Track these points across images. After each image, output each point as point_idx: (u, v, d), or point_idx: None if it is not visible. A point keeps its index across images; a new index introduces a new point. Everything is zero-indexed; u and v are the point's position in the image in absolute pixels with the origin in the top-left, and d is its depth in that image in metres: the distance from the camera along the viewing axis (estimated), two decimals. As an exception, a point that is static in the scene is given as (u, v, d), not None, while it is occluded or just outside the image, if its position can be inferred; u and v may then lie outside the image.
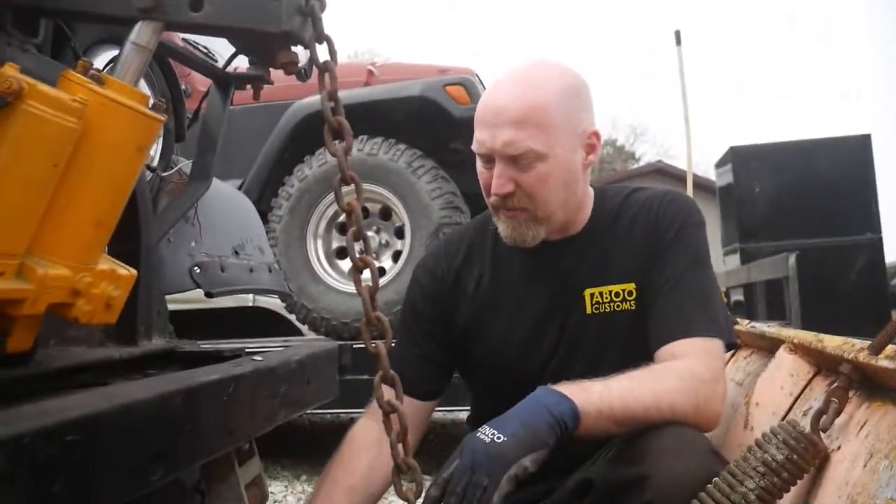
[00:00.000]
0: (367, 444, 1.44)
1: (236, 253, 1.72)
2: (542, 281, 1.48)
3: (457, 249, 1.59)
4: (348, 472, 1.41)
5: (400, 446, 0.84)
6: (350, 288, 3.83)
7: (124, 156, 0.97)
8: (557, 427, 1.17)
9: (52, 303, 0.93)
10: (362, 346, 3.03)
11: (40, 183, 0.87)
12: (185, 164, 1.68)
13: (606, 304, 1.45)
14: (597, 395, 1.24)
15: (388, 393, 0.93)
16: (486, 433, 1.16)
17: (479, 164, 1.42)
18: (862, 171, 6.58)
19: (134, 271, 1.06)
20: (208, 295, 1.56)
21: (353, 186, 1.05)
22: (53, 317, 1.04)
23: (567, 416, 1.19)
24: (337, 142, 0.93)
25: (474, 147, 1.40)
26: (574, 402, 1.21)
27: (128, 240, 1.28)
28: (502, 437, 1.15)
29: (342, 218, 3.95)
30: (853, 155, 6.65)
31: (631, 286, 1.44)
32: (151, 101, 1.01)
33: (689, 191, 4.59)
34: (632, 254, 1.45)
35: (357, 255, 0.87)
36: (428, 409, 1.55)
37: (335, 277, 3.87)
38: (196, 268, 1.54)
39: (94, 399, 0.89)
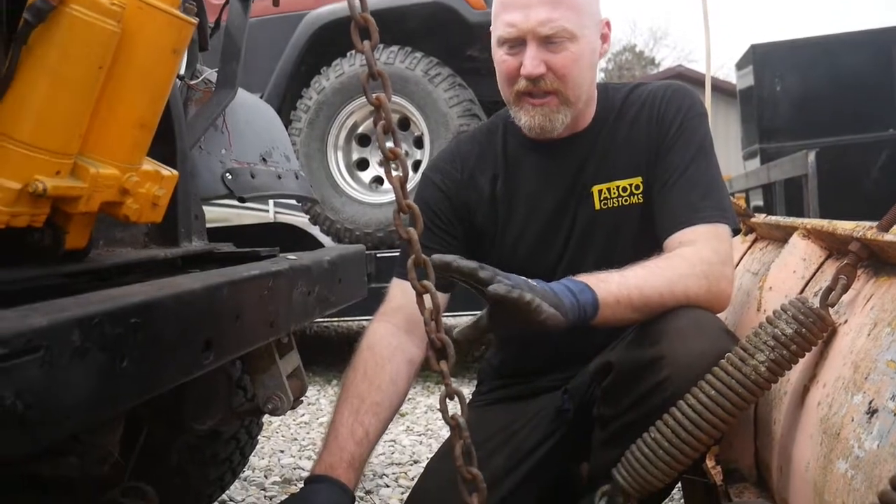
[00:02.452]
0: (388, 353, 1.46)
1: (264, 160, 1.77)
2: (552, 179, 1.52)
3: (469, 151, 1.61)
4: (373, 387, 1.42)
5: (433, 323, 0.90)
6: (372, 198, 3.90)
7: (161, 58, 1.01)
8: (578, 310, 1.24)
9: (104, 201, 0.99)
10: (386, 254, 3.10)
11: (87, 85, 0.92)
12: (211, 74, 1.72)
13: (615, 200, 1.49)
14: (615, 285, 1.30)
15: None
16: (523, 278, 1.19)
17: (501, 53, 1.42)
18: (885, 66, 6.43)
19: (175, 172, 1.11)
20: (241, 199, 1.62)
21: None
22: (103, 218, 1.11)
23: (588, 305, 1.25)
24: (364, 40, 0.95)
25: (501, 32, 1.41)
26: (595, 291, 1.27)
27: (163, 145, 1.33)
28: (541, 284, 1.19)
29: (361, 129, 3.98)
30: (876, 49, 6.48)
31: (637, 180, 1.48)
32: (182, 5, 1.04)
33: (708, 96, 4.51)
34: (637, 148, 1.49)
35: (387, 147, 0.91)
36: (444, 300, 1.55)
37: (356, 188, 3.92)
38: (227, 174, 1.59)
39: (150, 288, 0.97)
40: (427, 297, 0.92)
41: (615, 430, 1.36)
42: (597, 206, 1.50)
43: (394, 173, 0.93)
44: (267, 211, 7.88)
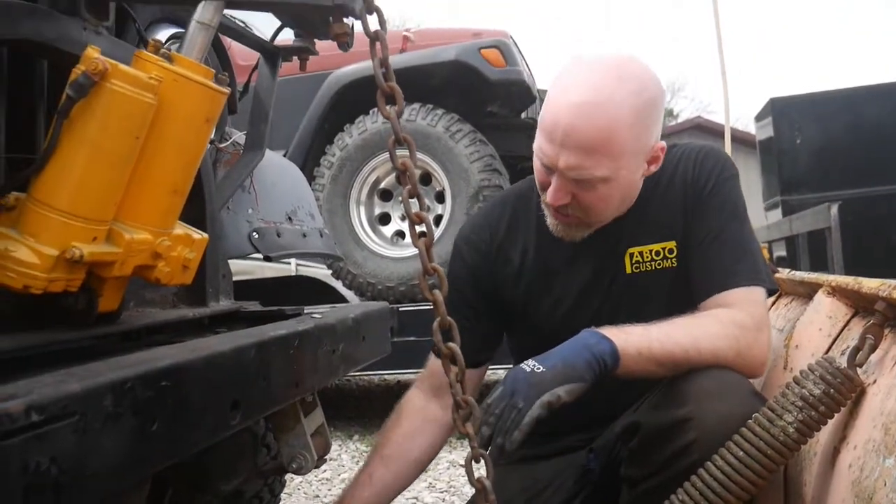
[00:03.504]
0: (408, 412, 1.55)
1: (290, 219, 1.81)
2: (586, 248, 1.52)
3: (498, 220, 1.61)
4: (383, 441, 1.54)
5: (458, 385, 0.91)
6: (394, 252, 3.93)
7: (194, 127, 1.04)
8: (596, 364, 1.24)
9: (137, 265, 1.01)
10: (408, 308, 3.11)
11: (124, 155, 0.95)
12: (239, 136, 1.77)
13: (647, 263, 1.49)
14: (636, 337, 1.30)
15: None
16: (529, 364, 1.25)
17: (536, 161, 1.41)
18: (906, 118, 6.43)
19: (206, 235, 1.14)
20: (267, 259, 1.65)
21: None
22: (134, 280, 1.14)
23: (606, 355, 1.26)
24: (389, 106, 0.99)
25: (535, 149, 1.39)
26: (613, 342, 1.27)
27: (193, 207, 1.37)
28: (542, 368, 1.23)
29: (383, 185, 4.03)
30: (896, 101, 6.49)
31: (671, 244, 1.47)
32: (215, 76, 1.08)
33: (728, 146, 4.54)
34: (671, 212, 1.48)
35: (413, 211, 0.93)
36: (478, 375, 1.61)
37: (378, 243, 3.96)
38: (254, 233, 1.62)
39: (180, 351, 0.98)
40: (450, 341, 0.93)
41: (642, 491, 1.34)
42: (628, 270, 1.49)
43: (417, 229, 0.95)
44: (289, 264, 7.94)
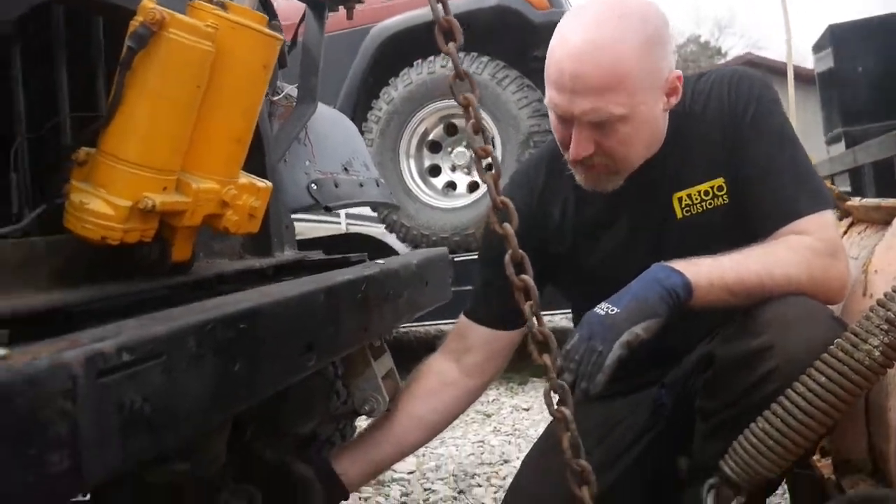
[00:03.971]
0: (426, 373, 1.57)
1: (345, 170, 1.81)
2: (627, 197, 1.48)
3: (535, 178, 1.58)
4: (395, 399, 1.53)
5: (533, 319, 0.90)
6: (446, 203, 3.92)
7: (252, 74, 1.04)
8: (669, 298, 1.23)
9: (206, 214, 1.03)
10: (463, 258, 3.09)
11: (187, 104, 0.96)
12: (291, 89, 1.76)
13: (698, 205, 1.44)
14: (706, 267, 1.28)
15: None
16: (603, 307, 1.24)
17: (552, 117, 1.37)
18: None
19: (269, 183, 1.15)
20: (326, 209, 1.66)
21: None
22: (202, 232, 1.15)
23: (678, 287, 1.24)
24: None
25: (547, 104, 1.35)
26: (684, 274, 1.25)
27: (254, 160, 1.38)
28: (616, 309, 1.22)
29: (432, 136, 4.01)
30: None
31: (719, 181, 1.42)
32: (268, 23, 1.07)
33: (790, 83, 4.35)
34: (711, 147, 1.42)
35: (478, 145, 0.91)
36: (517, 336, 1.60)
37: (430, 195, 3.96)
38: (313, 185, 1.63)
39: (254, 296, 1.00)
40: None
41: (719, 423, 1.33)
42: (679, 215, 1.45)
43: (484, 163, 0.93)
44: (339, 223, 8.02)
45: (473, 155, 0.91)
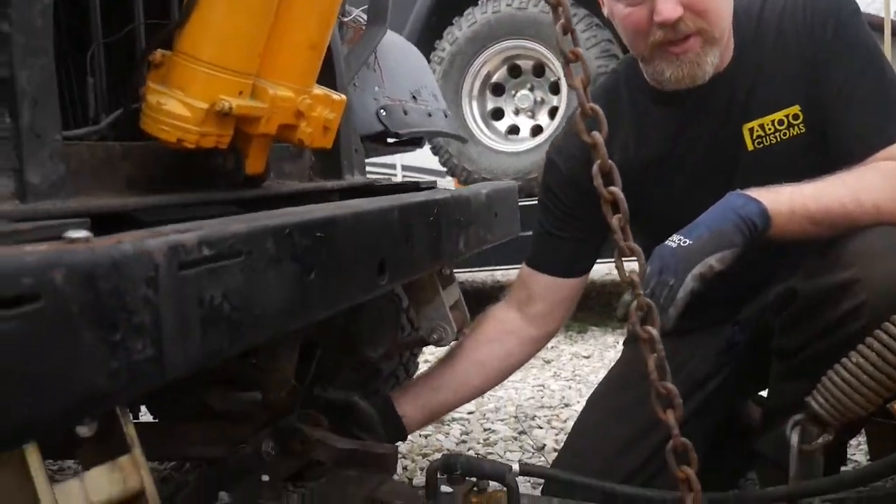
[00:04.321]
0: (487, 320, 1.55)
1: (414, 98, 1.77)
2: (692, 131, 1.40)
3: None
4: (455, 345, 1.53)
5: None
6: (509, 147, 3.85)
7: (328, -20, 1.00)
8: (745, 226, 1.16)
9: (280, 123, 1.00)
10: (527, 203, 2.99)
11: (264, 4, 0.93)
12: (360, 13, 1.72)
13: (771, 136, 1.35)
14: (786, 195, 1.20)
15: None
16: (674, 239, 1.18)
17: (620, 7, 1.29)
18: None
19: (344, 97, 1.11)
20: (395, 136, 1.63)
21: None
22: (273, 151, 1.13)
23: (755, 216, 1.17)
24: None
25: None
26: (762, 201, 1.18)
27: (324, 81, 1.35)
28: (688, 241, 1.16)
29: (495, 78, 3.93)
30: None
31: (795, 109, 1.33)
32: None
33: (887, 39, 4.06)
34: (788, 72, 1.33)
35: (568, 48, 0.86)
36: (579, 284, 1.57)
37: (493, 138, 3.89)
38: (382, 110, 1.60)
39: (330, 207, 0.98)
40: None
41: (800, 361, 1.27)
42: (750, 147, 1.37)
43: (572, 67, 0.88)
44: (395, 175, 8.01)
45: (562, 58, 0.86)
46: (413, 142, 2.73)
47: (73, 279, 0.55)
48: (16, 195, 0.73)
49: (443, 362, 1.59)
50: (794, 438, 1.11)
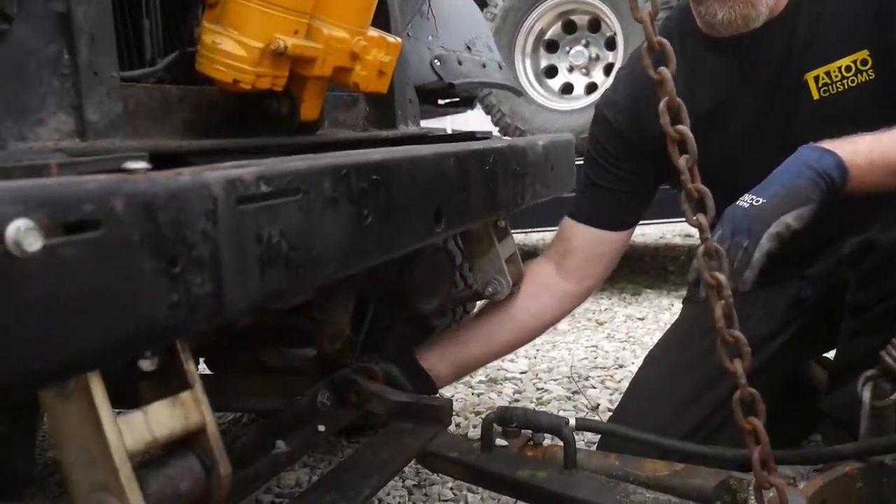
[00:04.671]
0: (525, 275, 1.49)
1: (468, 48, 1.72)
2: (748, 80, 1.33)
3: (642, 72, 1.46)
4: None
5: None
6: (562, 105, 3.77)
7: (384, -87, 0.97)
8: (821, 181, 1.11)
9: (335, 66, 0.98)
10: (579, 162, 2.92)
11: (319, -59, 0.90)
12: (412, -40, 1.68)
13: (838, 83, 1.28)
14: (865, 146, 1.14)
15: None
16: (746, 199, 1.13)
17: None
18: None
19: (399, 39, 1.09)
20: (450, 86, 1.59)
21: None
22: (328, 99, 1.12)
23: (831, 169, 1.11)
24: None
25: None
26: (838, 154, 1.12)
27: (377, 26, 1.32)
28: (761, 200, 1.11)
29: (549, 35, 3.84)
30: None
31: (863, 54, 1.26)
32: None
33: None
34: (853, 15, 1.26)
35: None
36: (620, 240, 1.54)
37: (546, 96, 3.81)
38: (436, 60, 1.56)
39: (387, 151, 0.96)
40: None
41: (875, 315, 1.22)
42: (815, 96, 1.30)
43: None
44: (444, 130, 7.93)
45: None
46: (464, 102, 2.69)
47: (133, 208, 0.55)
48: (76, 133, 0.72)
49: (474, 317, 1.57)
50: (866, 395, 1.06)
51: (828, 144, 1.15)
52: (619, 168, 1.48)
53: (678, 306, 1.85)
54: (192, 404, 0.66)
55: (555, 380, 2.38)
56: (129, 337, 0.55)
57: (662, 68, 0.81)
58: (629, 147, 1.47)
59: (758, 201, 1.12)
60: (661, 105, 0.81)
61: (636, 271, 4.12)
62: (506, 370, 2.50)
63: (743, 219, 1.11)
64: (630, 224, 1.54)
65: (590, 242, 1.52)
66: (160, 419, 0.63)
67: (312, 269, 0.75)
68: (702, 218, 0.81)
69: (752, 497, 0.91)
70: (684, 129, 0.80)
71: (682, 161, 0.81)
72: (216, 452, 0.66)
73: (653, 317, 3.14)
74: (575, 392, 2.23)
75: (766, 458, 0.84)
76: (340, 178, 0.80)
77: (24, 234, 0.46)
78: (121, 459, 0.58)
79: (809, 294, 1.47)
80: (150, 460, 0.65)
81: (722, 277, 0.82)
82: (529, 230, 3.73)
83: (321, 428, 1.30)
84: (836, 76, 1.29)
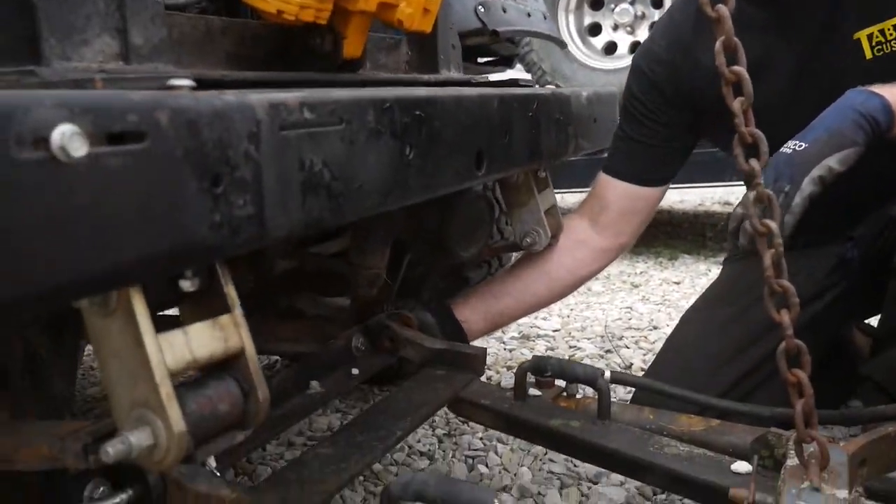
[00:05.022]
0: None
1: (513, -4, 1.68)
2: (790, 34, 1.27)
3: (681, 23, 1.42)
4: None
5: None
6: (605, 64, 3.69)
7: None
8: (866, 123, 1.06)
9: (380, 0, 0.96)
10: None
11: None
12: None
13: (893, 42, 1.23)
14: None
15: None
16: (789, 145, 1.10)
17: None
18: None
19: (444, -21, 1.06)
20: (493, 34, 1.56)
21: None
22: (369, 39, 1.10)
23: (876, 111, 1.07)
24: None
25: None
26: (885, 96, 1.08)
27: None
28: (803, 144, 1.08)
29: (593, -10, 3.74)
30: None
31: None
32: None
33: None
34: None
35: None
36: (655, 195, 1.52)
37: (589, 55, 3.73)
38: (480, 7, 1.53)
39: (430, 90, 0.94)
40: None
41: (925, 277, 1.18)
42: (869, 55, 1.25)
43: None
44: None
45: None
46: (504, 61, 2.64)
47: (178, 123, 0.54)
48: (119, 55, 0.72)
49: (508, 270, 1.56)
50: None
51: (877, 88, 1.11)
52: (655, 122, 1.45)
53: (715, 272, 1.82)
54: (231, 328, 0.66)
55: (588, 339, 2.37)
56: (171, 253, 0.54)
57: (720, 6, 0.78)
58: (666, 99, 1.44)
59: (800, 146, 1.09)
60: (718, 45, 0.78)
61: (673, 237, 4.06)
62: (538, 328, 2.49)
63: (786, 164, 1.08)
64: (665, 180, 1.52)
65: (624, 198, 1.50)
66: (200, 340, 0.63)
67: (354, 200, 0.74)
68: (754, 163, 0.78)
69: (791, 452, 0.89)
70: (741, 70, 0.77)
71: (736, 103, 0.78)
72: (255, 377, 0.66)
73: (689, 281, 3.10)
74: (608, 351, 2.22)
75: (809, 412, 0.82)
76: (383, 112, 0.79)
77: (70, 139, 0.46)
78: (161, 376, 0.59)
79: (855, 255, 1.43)
80: (189, 381, 0.66)
81: (773, 225, 0.79)
82: (566, 191, 3.68)
83: (355, 371, 1.30)
84: (891, 34, 1.24)
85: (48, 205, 0.46)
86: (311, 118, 0.68)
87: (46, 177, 0.45)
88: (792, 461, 0.88)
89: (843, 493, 0.81)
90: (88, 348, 1.72)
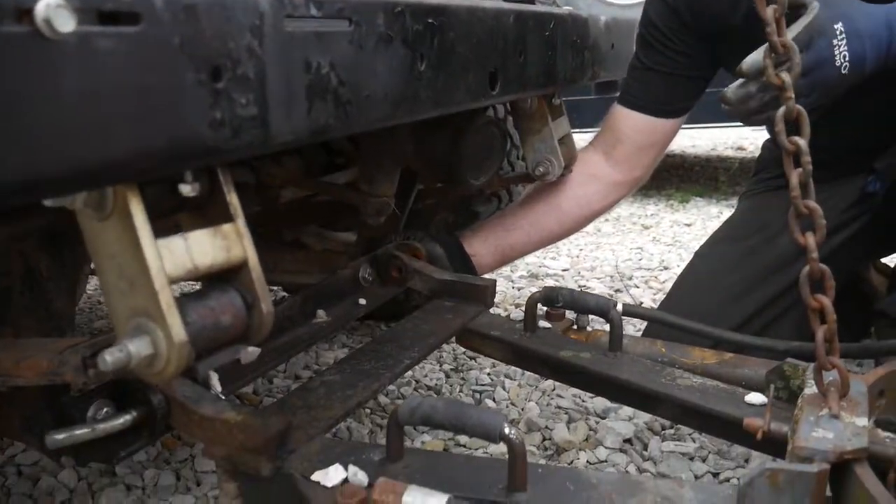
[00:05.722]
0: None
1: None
2: None
3: None
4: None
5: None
6: None
7: None
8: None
9: None
10: None
11: None
12: None
13: None
14: None
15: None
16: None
17: None
18: None
19: None
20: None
21: None
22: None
23: None
24: None
25: None
26: None
27: None
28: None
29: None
30: None
31: None
32: None
33: None
34: None
35: None
36: (671, 128, 1.47)
37: None
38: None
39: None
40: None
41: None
42: None
43: None
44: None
45: None
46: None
47: (174, 6, 0.50)
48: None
49: (519, 204, 1.52)
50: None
51: None
52: (673, 50, 1.40)
53: (728, 214, 1.78)
54: (234, 237, 0.63)
55: (598, 278, 2.35)
56: (168, 149, 0.51)
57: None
58: (685, 26, 1.38)
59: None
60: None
61: (685, 180, 4.01)
62: (547, 267, 2.47)
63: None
64: (682, 111, 1.47)
65: (640, 131, 1.46)
66: (201, 248, 0.60)
67: (362, 109, 0.71)
68: (785, 76, 0.74)
69: (810, 381, 0.87)
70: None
71: (769, 11, 0.73)
72: (258, 289, 0.64)
73: (700, 223, 3.06)
74: (618, 290, 2.20)
75: (830, 338, 0.79)
76: (394, 16, 0.74)
77: (56, 11, 0.42)
78: (161, 284, 0.56)
79: (878, 188, 1.39)
80: (190, 292, 0.63)
81: (802, 142, 0.75)
82: (578, 130, 3.61)
83: (362, 302, 1.28)
84: None
85: (33, 84, 0.42)
86: (317, 14, 0.64)
87: (31, 53, 0.42)
88: (810, 390, 0.86)
89: (862, 421, 0.79)
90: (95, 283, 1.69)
